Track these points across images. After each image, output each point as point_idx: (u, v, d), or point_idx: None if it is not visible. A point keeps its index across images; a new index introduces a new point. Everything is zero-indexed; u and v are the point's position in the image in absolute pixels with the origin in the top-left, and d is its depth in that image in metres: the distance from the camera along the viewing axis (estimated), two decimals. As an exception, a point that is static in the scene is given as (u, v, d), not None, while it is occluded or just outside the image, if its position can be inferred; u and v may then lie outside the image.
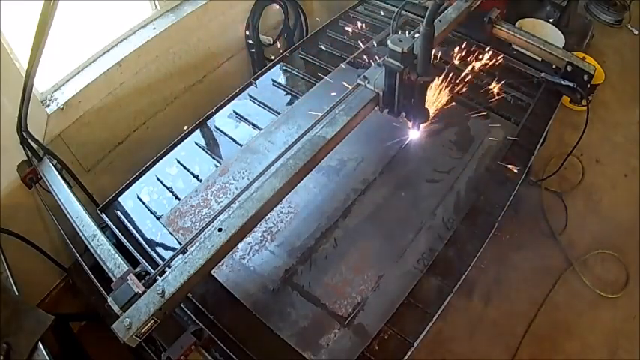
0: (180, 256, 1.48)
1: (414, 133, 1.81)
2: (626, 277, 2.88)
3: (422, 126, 1.76)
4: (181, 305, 1.72)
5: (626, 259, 2.94)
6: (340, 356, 1.59)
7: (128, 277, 1.39)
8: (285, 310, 1.70)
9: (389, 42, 1.47)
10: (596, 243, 3.02)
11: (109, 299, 1.35)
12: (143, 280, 1.40)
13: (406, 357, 1.60)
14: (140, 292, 1.35)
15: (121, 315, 1.32)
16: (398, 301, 1.71)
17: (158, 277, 1.40)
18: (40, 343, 1.61)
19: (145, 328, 1.30)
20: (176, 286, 1.33)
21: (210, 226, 1.48)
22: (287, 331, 1.65)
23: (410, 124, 1.74)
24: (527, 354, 2.59)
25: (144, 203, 2.08)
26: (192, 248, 1.41)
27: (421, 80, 1.53)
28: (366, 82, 1.67)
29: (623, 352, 2.60)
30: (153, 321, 1.31)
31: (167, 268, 1.43)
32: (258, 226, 1.90)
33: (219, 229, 1.43)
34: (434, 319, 1.67)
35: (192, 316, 1.70)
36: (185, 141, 2.30)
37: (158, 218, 2.00)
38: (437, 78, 1.85)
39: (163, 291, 1.32)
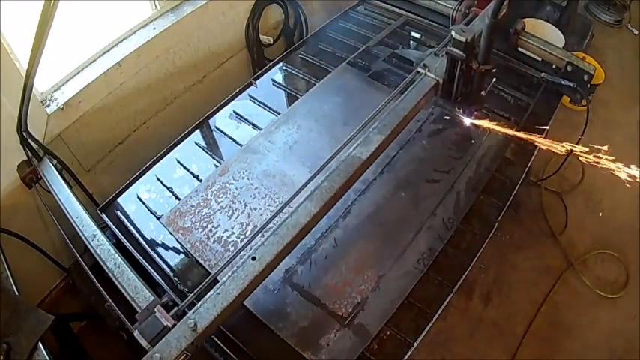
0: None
1: (467, 120, 1.86)
2: (626, 277, 2.88)
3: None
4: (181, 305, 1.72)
5: (626, 259, 2.94)
6: (340, 356, 1.59)
7: (155, 309, 1.32)
8: (285, 310, 1.70)
9: (453, 32, 1.54)
10: (596, 243, 3.02)
11: (136, 333, 1.27)
12: (172, 312, 1.32)
13: (406, 357, 1.60)
14: (170, 325, 1.28)
15: (149, 350, 1.24)
16: (398, 301, 1.71)
17: (187, 309, 1.33)
18: (40, 343, 1.61)
19: (176, 364, 1.23)
20: (209, 319, 1.27)
21: (243, 255, 1.40)
22: (287, 331, 1.65)
23: (463, 112, 1.81)
24: (527, 354, 2.59)
25: (144, 203, 2.08)
26: (225, 278, 1.34)
27: (482, 69, 1.60)
28: (426, 70, 1.71)
29: (623, 352, 2.60)
30: (184, 355, 1.24)
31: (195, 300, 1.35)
32: (259, 225, 1.90)
33: (253, 258, 1.36)
34: (434, 319, 1.67)
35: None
36: (185, 141, 2.30)
37: (158, 218, 2.00)
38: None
39: (196, 324, 1.25)
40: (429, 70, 1.72)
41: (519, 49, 2.34)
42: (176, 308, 1.34)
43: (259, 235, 1.47)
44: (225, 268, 1.42)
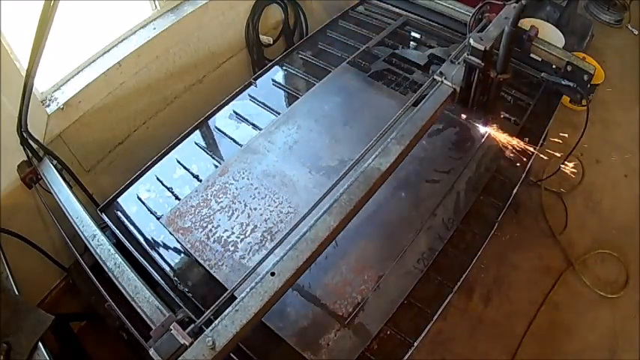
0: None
1: (483, 128, 1.86)
2: (626, 277, 2.88)
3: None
4: (181, 305, 1.72)
5: (626, 259, 2.94)
6: (340, 356, 1.59)
7: (171, 327, 1.27)
8: (285, 310, 1.70)
9: (471, 40, 1.52)
10: (596, 243, 3.02)
11: (151, 351, 1.22)
12: (188, 329, 1.27)
13: (406, 357, 1.60)
14: (187, 343, 1.23)
15: None
16: (398, 301, 1.71)
17: (203, 326, 1.30)
18: (40, 343, 1.61)
19: (195, 383, 1.20)
20: (228, 337, 1.23)
21: (261, 270, 1.38)
22: (287, 331, 1.65)
23: (479, 120, 1.81)
24: (527, 354, 2.59)
25: (144, 203, 2.08)
26: (243, 295, 1.31)
27: (500, 78, 1.59)
28: (442, 78, 1.69)
29: (623, 352, 2.60)
30: None
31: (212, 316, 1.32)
32: (259, 225, 1.90)
33: (272, 274, 1.33)
34: (434, 319, 1.67)
35: (191, 315, 1.69)
36: (185, 141, 2.30)
37: (158, 218, 2.00)
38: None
39: (214, 343, 1.21)
40: (445, 78, 1.69)
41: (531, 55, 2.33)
42: (192, 325, 1.30)
43: (262, 244, 1.42)
44: (242, 284, 1.38)
